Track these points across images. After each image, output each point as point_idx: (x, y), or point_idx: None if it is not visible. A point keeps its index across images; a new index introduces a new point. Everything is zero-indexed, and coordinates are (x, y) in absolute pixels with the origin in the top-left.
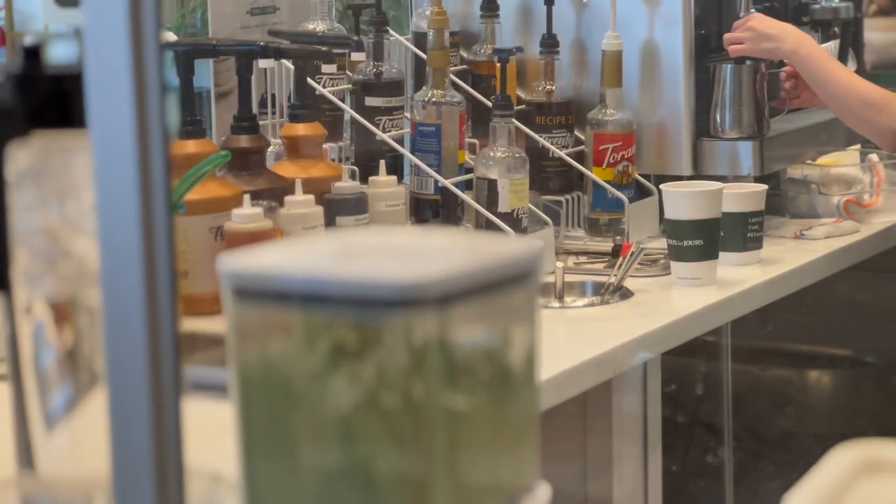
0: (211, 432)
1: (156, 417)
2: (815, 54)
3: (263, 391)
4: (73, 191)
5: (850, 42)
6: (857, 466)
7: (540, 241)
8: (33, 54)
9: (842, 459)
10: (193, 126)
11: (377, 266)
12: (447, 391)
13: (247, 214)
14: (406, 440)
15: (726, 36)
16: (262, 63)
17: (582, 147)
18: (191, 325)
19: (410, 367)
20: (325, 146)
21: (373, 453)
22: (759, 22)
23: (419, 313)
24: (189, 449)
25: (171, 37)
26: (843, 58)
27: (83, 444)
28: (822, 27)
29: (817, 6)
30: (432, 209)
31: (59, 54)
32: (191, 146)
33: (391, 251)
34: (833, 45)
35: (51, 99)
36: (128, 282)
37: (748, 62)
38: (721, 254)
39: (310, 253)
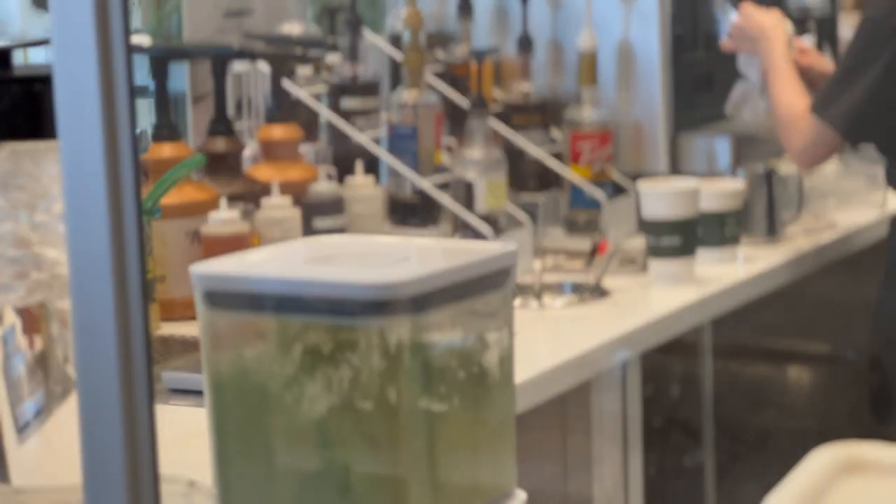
0: (188, 437)
1: (128, 424)
2: (772, 64)
3: (238, 396)
4: (43, 199)
5: (826, 38)
6: (837, 467)
7: (515, 244)
8: (2, 60)
9: (822, 460)
10: (169, 130)
11: (351, 270)
12: (422, 394)
13: (223, 218)
14: (381, 443)
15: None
16: (237, 66)
17: (559, 146)
18: (168, 329)
19: (385, 370)
20: (302, 148)
21: (348, 457)
22: (745, 20)
23: (393, 317)
24: (165, 455)
25: (144, 41)
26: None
27: (55, 452)
28: (797, 23)
29: (793, 2)
30: (409, 210)
31: (33, 60)
32: (166, 150)
33: (365, 255)
34: (810, 39)
35: (20, 106)
36: (98, 289)
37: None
38: (699, 251)
39: (283, 257)
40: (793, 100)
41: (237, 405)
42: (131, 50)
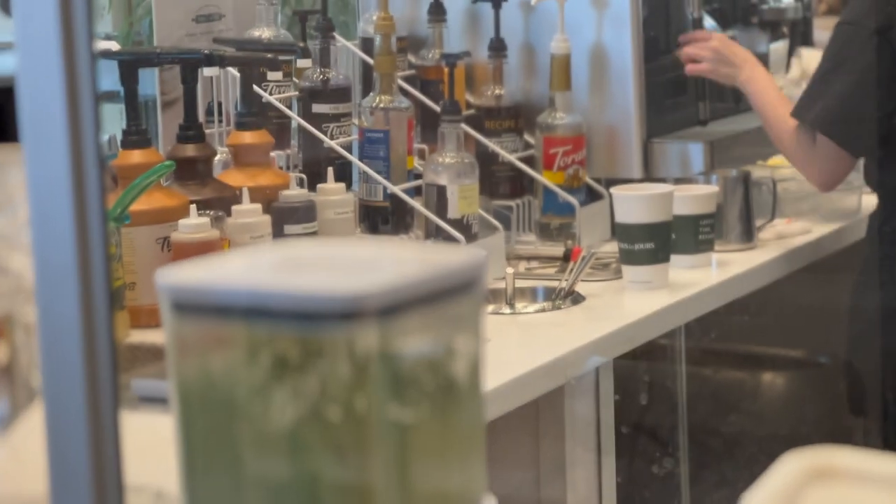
0: (158, 446)
1: (93, 433)
2: (762, 90)
3: (205, 406)
4: (8, 206)
5: (800, 42)
6: (807, 473)
7: (484, 251)
8: None
9: (792, 466)
10: (138, 136)
11: (318, 278)
12: (391, 403)
13: (193, 224)
14: (350, 453)
15: (686, 50)
16: (207, 71)
17: (532, 151)
18: (138, 337)
19: (353, 379)
20: (273, 154)
21: (317, 467)
22: (724, 46)
23: (361, 325)
24: (134, 464)
25: (113, 46)
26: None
27: (20, 461)
28: (770, 27)
29: (766, 6)
30: (381, 216)
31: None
32: (136, 156)
33: (333, 263)
34: (782, 45)
35: None
36: (64, 297)
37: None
38: (673, 256)
39: (250, 265)
40: (781, 115)
41: (204, 414)
42: (96, 56)
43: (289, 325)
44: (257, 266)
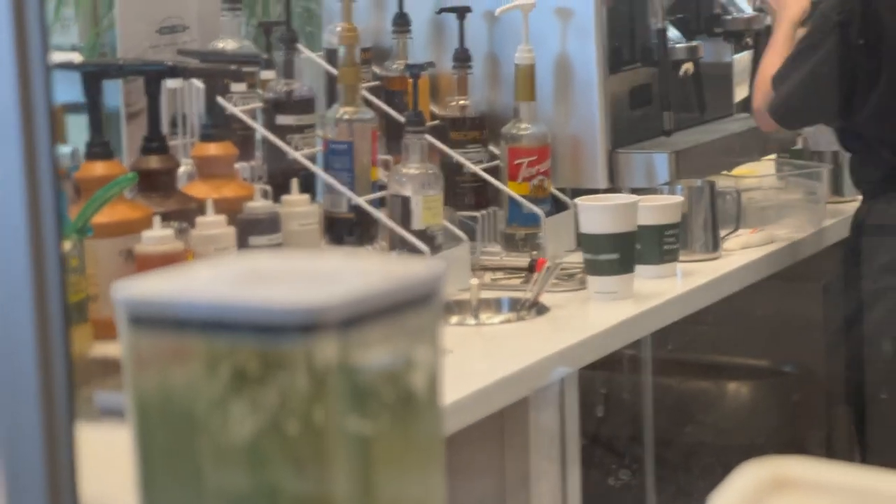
0: (120, 459)
1: (48, 448)
2: (775, 36)
3: (163, 419)
4: None
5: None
6: (765, 483)
7: (443, 262)
8: None
9: (750, 476)
10: (101, 147)
11: (277, 291)
12: (350, 415)
13: (157, 236)
14: (309, 465)
15: None
16: (171, 83)
17: (497, 162)
18: (101, 349)
19: (312, 391)
20: (237, 166)
21: (277, 480)
22: None
23: (320, 338)
24: (96, 477)
25: (76, 58)
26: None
27: None
28: (734, 38)
29: (729, 17)
30: (346, 227)
31: None
32: (99, 168)
33: (291, 275)
34: (746, 55)
35: None
36: (19, 312)
37: None
38: (638, 267)
39: (209, 278)
40: (771, 65)
41: (162, 428)
42: (51, 68)
43: (247, 338)
44: (216, 278)
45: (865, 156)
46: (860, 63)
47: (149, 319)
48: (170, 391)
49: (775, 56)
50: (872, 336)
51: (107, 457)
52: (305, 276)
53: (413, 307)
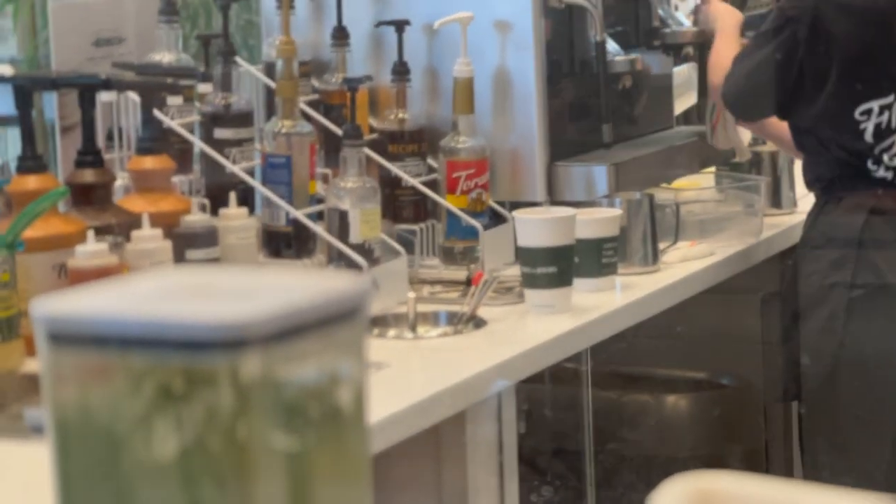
0: (46, 477)
1: None
2: (722, 32)
3: (84, 439)
4: None
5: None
6: (688, 499)
7: (368, 278)
8: None
9: (673, 493)
10: (34, 161)
11: (199, 307)
12: (275, 432)
13: (91, 251)
14: (233, 483)
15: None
16: (105, 96)
17: (435, 175)
18: (33, 365)
19: (237, 407)
20: (174, 179)
21: (202, 497)
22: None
23: (244, 353)
24: (24, 496)
25: (7, 70)
26: (702, 81)
27: None
28: (673, 51)
29: (668, 30)
30: (284, 241)
31: None
32: (31, 182)
33: (215, 290)
34: (686, 68)
35: None
36: None
37: None
38: (576, 280)
39: (130, 294)
40: (725, 53)
41: (83, 449)
42: None
43: (171, 355)
44: (137, 294)
45: (818, 156)
46: (810, 61)
47: (68, 337)
48: (91, 410)
49: (726, 46)
50: (820, 333)
51: (34, 474)
52: (228, 291)
53: (339, 322)
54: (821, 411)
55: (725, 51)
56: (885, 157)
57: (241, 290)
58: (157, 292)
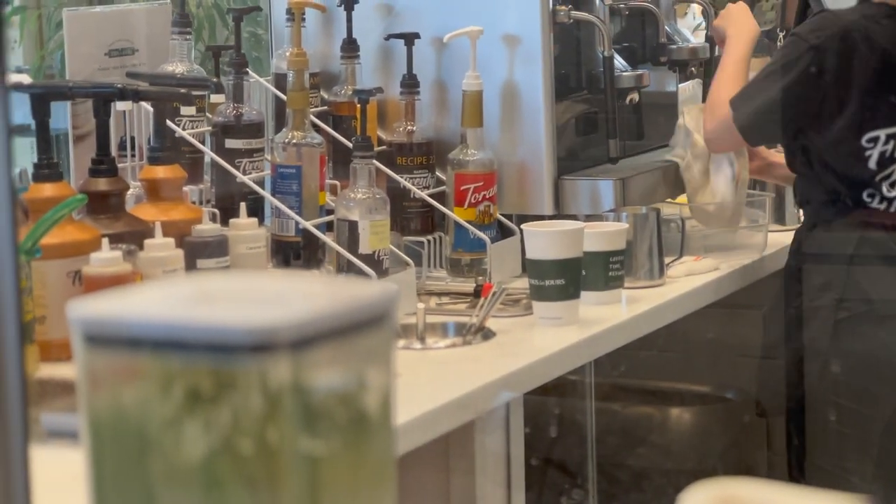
0: (68, 481)
1: (3, 469)
2: (729, 53)
3: (116, 439)
4: None
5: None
6: None
7: (395, 285)
8: None
9: (699, 498)
10: (50, 169)
11: (231, 311)
12: (302, 436)
13: (105, 258)
14: (261, 486)
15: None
16: (120, 105)
17: (443, 187)
18: (48, 370)
19: (265, 412)
20: (186, 189)
21: (229, 500)
22: (720, 17)
23: (273, 358)
24: (43, 500)
25: (25, 79)
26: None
27: None
28: (679, 67)
29: (674, 46)
30: (293, 251)
31: None
32: (47, 189)
33: (246, 295)
34: (691, 84)
35: None
36: None
37: None
38: (583, 293)
39: (163, 298)
40: (725, 86)
41: (115, 448)
42: (7, 89)
43: (201, 358)
44: (170, 298)
45: (812, 179)
46: (833, 89)
47: (103, 338)
48: (123, 411)
49: (729, 80)
50: (807, 356)
51: (54, 478)
52: (258, 296)
53: (366, 328)
54: (808, 428)
55: (726, 91)
56: (884, 186)
57: (271, 296)
58: (190, 297)
